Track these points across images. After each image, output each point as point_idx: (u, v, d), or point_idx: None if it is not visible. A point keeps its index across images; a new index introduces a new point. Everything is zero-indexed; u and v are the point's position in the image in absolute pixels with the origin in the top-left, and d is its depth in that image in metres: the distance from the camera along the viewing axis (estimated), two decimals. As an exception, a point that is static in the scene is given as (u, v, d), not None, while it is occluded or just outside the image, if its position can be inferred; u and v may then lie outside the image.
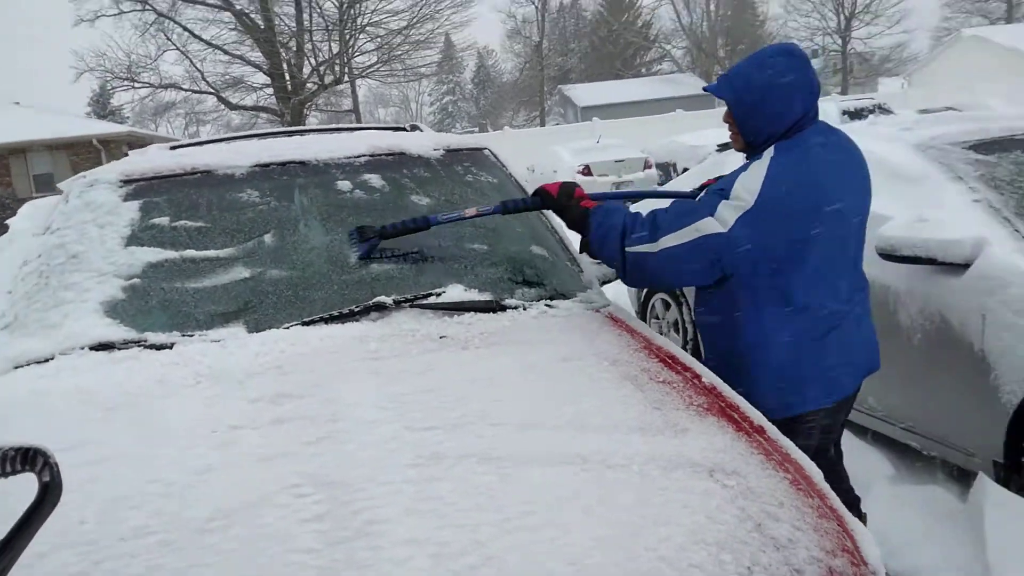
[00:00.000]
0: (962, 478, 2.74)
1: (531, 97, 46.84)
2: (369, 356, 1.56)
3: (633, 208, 2.14)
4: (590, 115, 32.17)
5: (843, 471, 2.30)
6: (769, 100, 1.86)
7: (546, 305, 1.95)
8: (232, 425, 1.32)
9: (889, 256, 2.68)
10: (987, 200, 2.69)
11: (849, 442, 3.02)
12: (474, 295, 1.93)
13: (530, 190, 2.45)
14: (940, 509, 2.59)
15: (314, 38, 23.11)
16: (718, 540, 1.01)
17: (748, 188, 1.78)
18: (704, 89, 2.23)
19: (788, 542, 1.03)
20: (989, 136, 3.08)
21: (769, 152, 1.85)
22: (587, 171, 13.61)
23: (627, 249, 1.89)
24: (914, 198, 2.79)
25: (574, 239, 2.20)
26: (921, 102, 21.53)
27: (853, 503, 2.24)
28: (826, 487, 1.20)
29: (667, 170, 13.92)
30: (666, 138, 15.35)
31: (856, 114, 13.58)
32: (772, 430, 1.38)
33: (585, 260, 2.25)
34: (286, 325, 1.74)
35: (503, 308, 1.90)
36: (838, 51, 46.08)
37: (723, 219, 1.77)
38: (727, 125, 1.99)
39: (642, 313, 4.48)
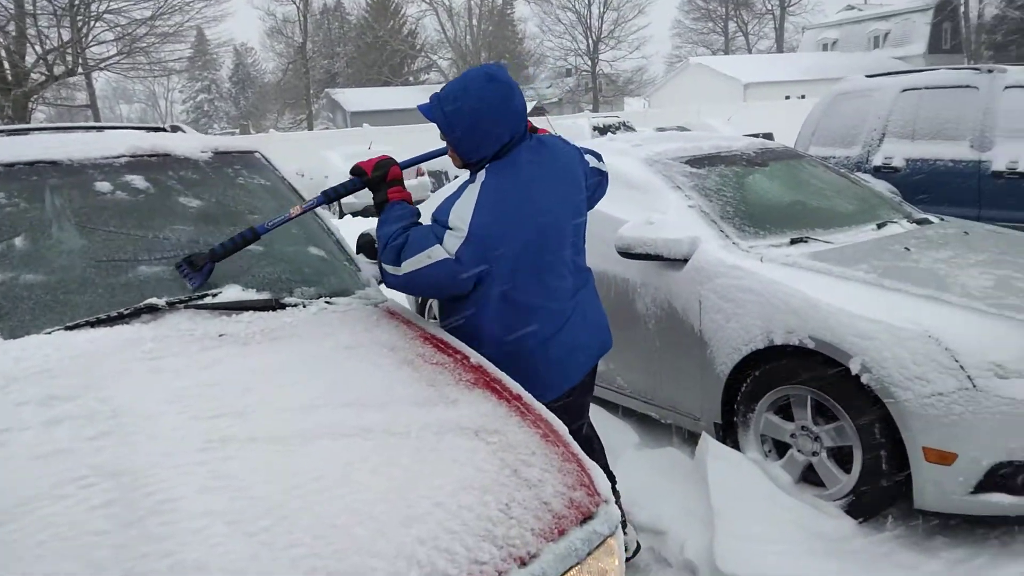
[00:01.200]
0: (692, 440, 3.24)
1: (297, 99, 45.27)
2: (145, 356, 1.54)
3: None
4: (360, 120, 31.91)
5: (598, 445, 2.59)
6: (477, 123, 1.94)
7: (326, 302, 2.04)
8: (-4, 429, 1.25)
9: (626, 254, 3.11)
10: (699, 206, 3.23)
11: (603, 418, 3.45)
12: (252, 295, 1.97)
13: (306, 194, 2.50)
14: (676, 467, 3.05)
15: (39, 23, 20.31)
16: (483, 485, 1.22)
17: (462, 217, 1.90)
18: (418, 108, 2.18)
19: (538, 481, 1.27)
20: (701, 153, 3.69)
21: (481, 176, 1.98)
22: (359, 177, 13.50)
23: (381, 264, 2.04)
24: (644, 204, 3.28)
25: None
26: (659, 121, 24.27)
27: (606, 470, 2.53)
28: (570, 439, 1.47)
29: (439, 178, 14.35)
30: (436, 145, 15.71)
31: (604, 130, 15.07)
32: (527, 397, 1.62)
33: (362, 260, 2.37)
34: (48, 330, 1.66)
35: (282, 306, 1.96)
36: (589, 71, 50.27)
37: (448, 247, 1.90)
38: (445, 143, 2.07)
39: (420, 310, 4.66)
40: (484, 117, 1.93)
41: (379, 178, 2.09)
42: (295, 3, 42.61)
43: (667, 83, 41.92)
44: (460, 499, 1.17)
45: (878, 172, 5.71)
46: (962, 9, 36.55)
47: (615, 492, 2.18)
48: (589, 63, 50.57)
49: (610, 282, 3.37)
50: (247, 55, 55.42)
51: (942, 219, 3.62)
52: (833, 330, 2.56)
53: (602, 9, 50.51)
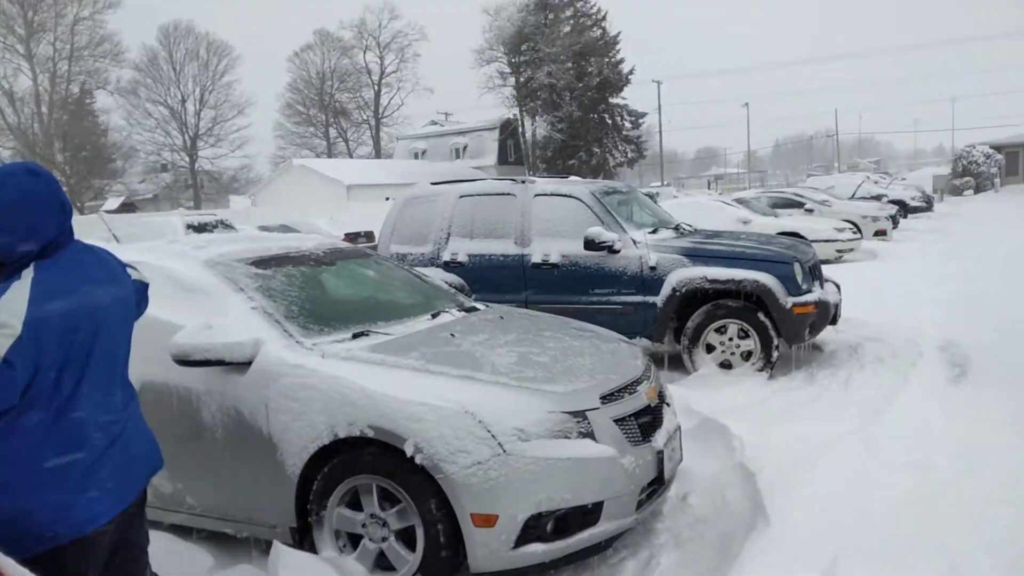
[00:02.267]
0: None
1: None
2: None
3: None
4: None
5: None
6: (18, 219, 1.83)
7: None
8: None
9: (183, 361, 2.93)
10: (263, 307, 3.22)
11: (170, 546, 3.11)
12: None
13: None
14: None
15: None
16: None
17: (14, 313, 1.73)
18: None
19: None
20: (268, 254, 3.72)
21: (29, 272, 1.83)
22: None
23: None
24: (203, 308, 3.15)
25: None
26: (263, 219, 24.00)
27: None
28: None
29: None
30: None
31: (200, 228, 14.31)
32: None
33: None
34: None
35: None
36: (187, 167, 47.71)
37: None
38: None
39: None
40: (26, 211, 1.84)
41: None
42: None
43: (272, 182, 41.89)
44: None
45: (448, 266, 6.43)
46: (520, 130, 44.07)
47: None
48: (187, 159, 48.07)
49: (171, 393, 3.14)
50: None
51: (487, 306, 4.19)
52: (388, 417, 2.73)
53: (198, 106, 48.85)
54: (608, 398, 3.01)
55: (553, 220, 6.19)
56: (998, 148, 41.33)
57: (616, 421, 2.97)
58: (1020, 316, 6.86)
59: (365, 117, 59.51)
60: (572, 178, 7.46)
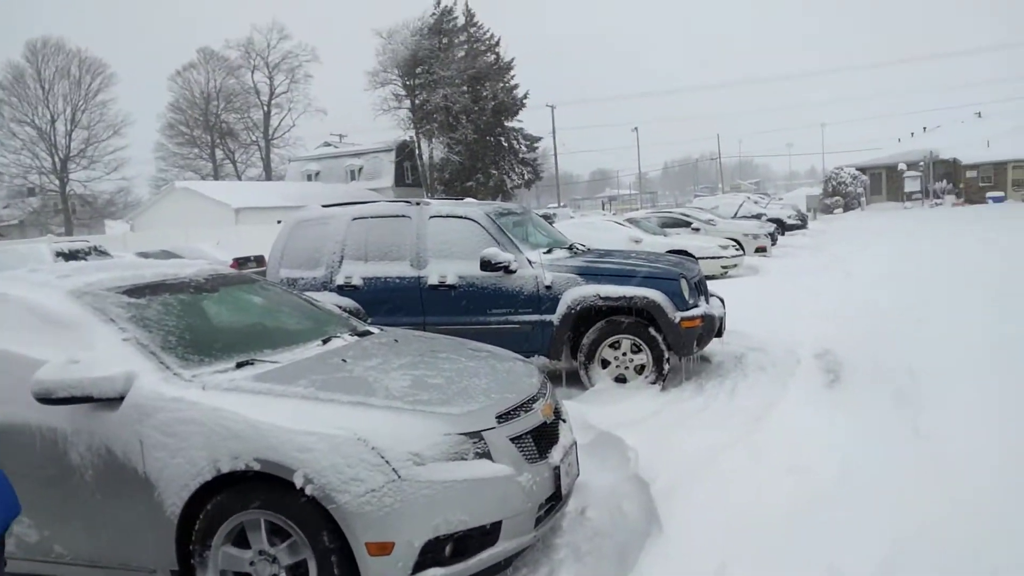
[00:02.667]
0: (150, 597, 2.90)
1: None
2: None
3: None
4: None
5: None
6: None
7: None
8: None
9: (47, 400, 2.71)
10: (136, 337, 3.02)
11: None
12: None
13: None
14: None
15: None
16: None
17: None
18: None
19: None
20: (142, 282, 3.50)
21: None
22: None
23: None
24: (69, 342, 2.92)
25: None
26: (142, 245, 22.73)
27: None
28: None
29: None
30: None
31: (71, 255, 13.37)
32: None
33: None
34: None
35: None
36: (57, 191, 44.66)
37: None
38: None
39: None
40: None
41: None
42: None
43: (153, 206, 39.77)
44: None
45: (342, 291, 6.28)
46: (417, 152, 44.00)
47: None
48: (57, 182, 44.98)
49: (34, 434, 2.89)
50: None
51: (382, 330, 4.11)
52: (275, 448, 2.62)
53: (69, 127, 45.94)
54: (504, 417, 3.01)
55: (449, 242, 6.18)
56: (863, 169, 44.86)
57: (512, 440, 2.97)
58: (883, 324, 7.41)
59: (254, 138, 57.71)
60: (468, 199, 7.50)
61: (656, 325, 5.71)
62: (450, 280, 6.08)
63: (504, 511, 2.81)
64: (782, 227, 24.70)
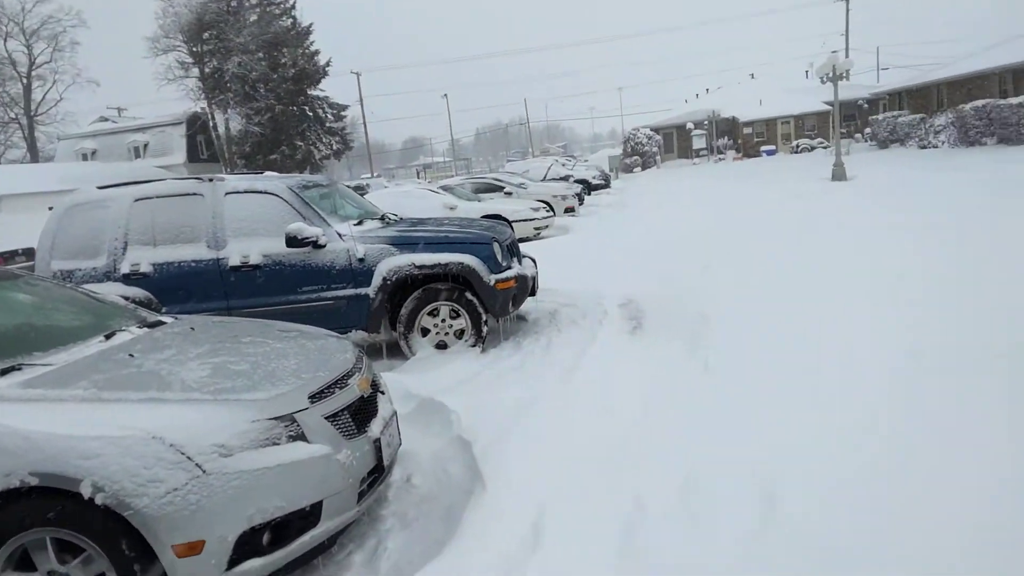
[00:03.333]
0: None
1: None
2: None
3: None
4: None
5: None
6: None
7: None
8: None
9: None
10: None
11: None
12: None
13: None
14: None
15: None
16: None
17: None
18: None
19: None
20: None
21: None
22: None
23: None
24: None
25: None
26: None
27: None
28: None
29: None
30: None
31: None
32: None
33: None
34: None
35: None
36: None
37: None
38: None
39: None
40: None
41: None
42: None
43: None
44: None
45: (129, 280, 5.73)
46: (211, 124, 40.84)
47: None
48: None
49: None
50: None
51: (176, 318, 3.81)
52: (55, 459, 2.36)
53: None
54: (317, 396, 2.93)
55: (249, 219, 5.83)
56: (657, 130, 48.19)
57: (328, 418, 2.90)
58: (675, 270, 8.10)
59: (14, 115, 50.50)
60: (268, 173, 7.08)
61: (472, 289, 5.80)
62: (253, 260, 5.75)
63: (324, 491, 2.75)
64: (588, 187, 26.00)
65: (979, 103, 23.32)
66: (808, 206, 13.22)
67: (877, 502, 2.71)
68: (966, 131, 23.61)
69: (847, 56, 31.01)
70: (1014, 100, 22.04)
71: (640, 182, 32.14)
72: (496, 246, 5.99)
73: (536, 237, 14.10)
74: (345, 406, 3.04)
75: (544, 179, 23.54)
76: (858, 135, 41.34)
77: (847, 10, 47.93)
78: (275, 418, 2.72)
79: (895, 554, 2.42)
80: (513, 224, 14.07)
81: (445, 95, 66.32)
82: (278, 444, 2.70)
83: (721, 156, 44.56)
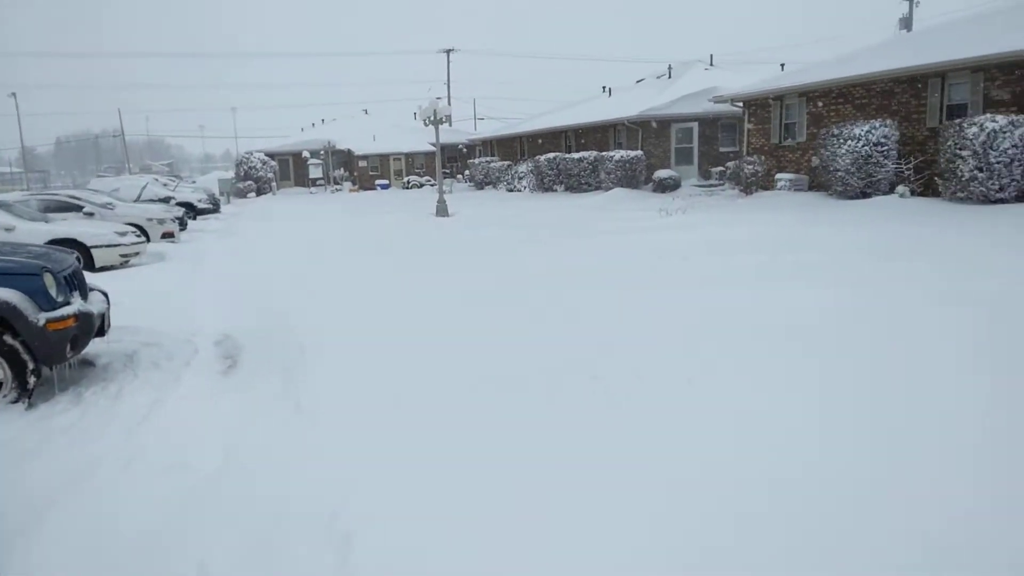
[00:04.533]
0: None
1: None
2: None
3: None
4: None
5: None
6: None
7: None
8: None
9: None
10: None
11: None
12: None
13: None
14: None
15: None
16: None
17: None
18: None
19: None
20: None
21: None
22: None
23: None
24: None
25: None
26: None
27: None
28: None
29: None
30: None
31: None
32: None
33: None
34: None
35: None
36: None
37: None
38: None
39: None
40: None
41: None
42: None
43: None
44: None
45: None
46: None
47: None
48: None
49: None
50: None
51: None
52: None
53: None
54: None
55: None
56: (272, 155, 46.78)
57: None
58: (283, 303, 7.80)
59: None
60: None
61: (14, 332, 4.73)
62: None
63: None
64: (194, 211, 23.98)
65: (551, 155, 27.54)
66: (414, 241, 14.04)
67: None
68: (542, 178, 27.66)
69: (448, 104, 34.13)
70: (575, 155, 26.53)
71: (253, 208, 30.75)
72: (49, 277, 5.00)
73: (124, 266, 12.40)
74: None
75: (137, 199, 20.99)
76: (459, 176, 45.70)
77: (448, 62, 52.98)
78: None
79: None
80: (93, 251, 12.21)
81: (13, 94, 55.50)
82: None
83: (338, 187, 45.18)
